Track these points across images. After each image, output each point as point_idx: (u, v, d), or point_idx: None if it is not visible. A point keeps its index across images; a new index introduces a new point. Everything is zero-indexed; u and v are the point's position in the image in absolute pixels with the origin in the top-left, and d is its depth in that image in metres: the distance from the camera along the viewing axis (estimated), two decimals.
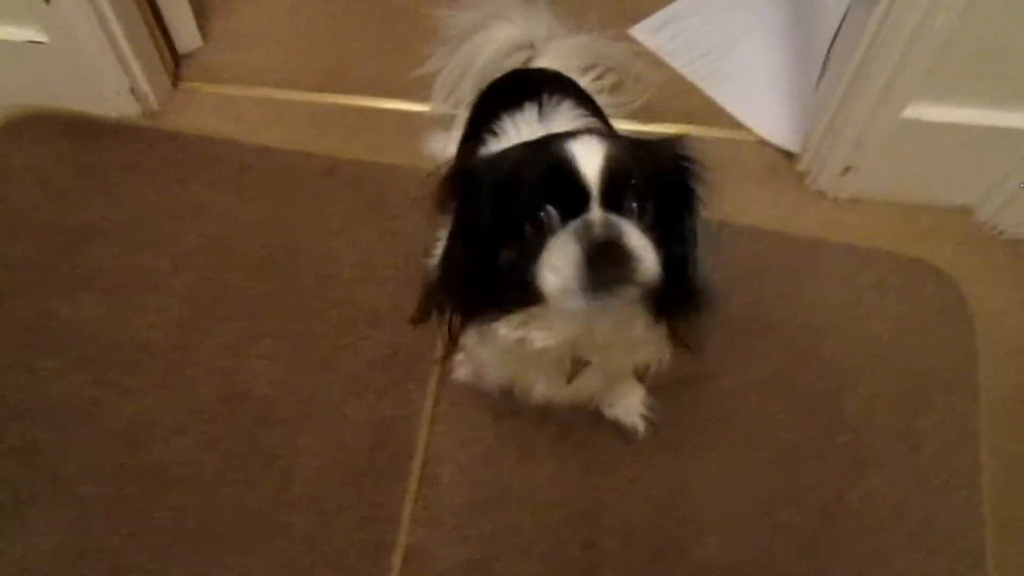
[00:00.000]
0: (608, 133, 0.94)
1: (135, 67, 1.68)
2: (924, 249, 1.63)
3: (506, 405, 1.46)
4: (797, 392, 1.49)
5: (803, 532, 1.38)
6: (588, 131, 0.93)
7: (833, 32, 1.71)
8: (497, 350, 1.08)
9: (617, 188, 0.88)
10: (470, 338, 1.10)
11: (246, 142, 1.72)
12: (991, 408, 1.48)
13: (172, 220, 1.62)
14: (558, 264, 0.88)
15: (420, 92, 1.78)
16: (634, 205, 0.90)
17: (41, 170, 1.68)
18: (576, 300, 0.89)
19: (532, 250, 0.90)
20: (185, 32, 1.83)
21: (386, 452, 1.41)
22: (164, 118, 1.77)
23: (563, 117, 1.16)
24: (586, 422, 1.44)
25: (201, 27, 1.85)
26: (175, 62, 1.82)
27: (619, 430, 1.44)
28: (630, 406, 1.44)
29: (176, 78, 1.81)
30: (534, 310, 0.97)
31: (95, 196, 1.65)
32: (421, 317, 1.09)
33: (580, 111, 1.19)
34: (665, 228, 0.92)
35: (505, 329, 1.00)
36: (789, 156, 1.74)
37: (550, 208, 0.89)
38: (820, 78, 1.72)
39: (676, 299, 0.97)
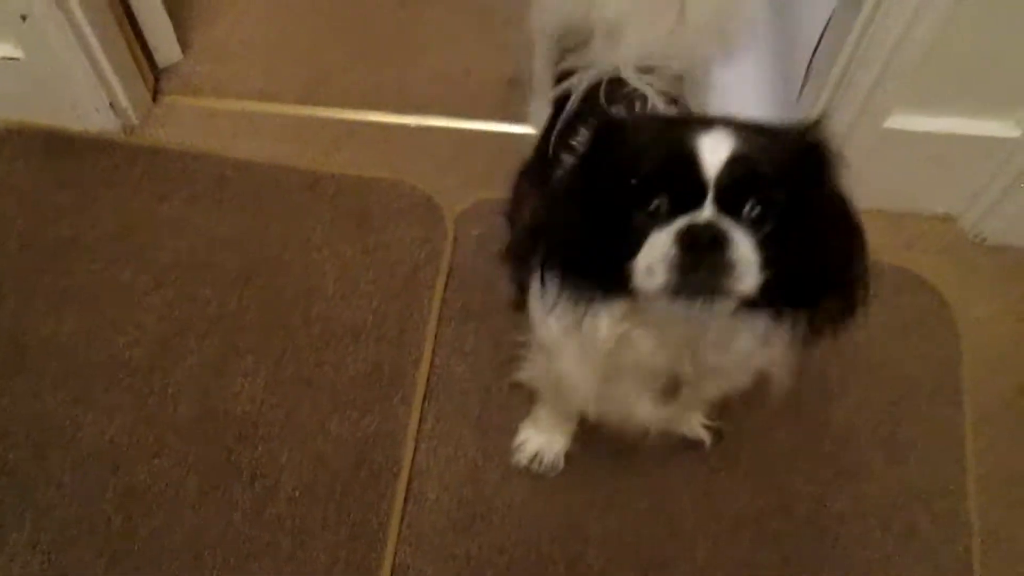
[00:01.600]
0: (744, 125, 0.86)
1: (114, 82, 1.67)
2: (907, 257, 1.63)
3: (490, 420, 1.46)
4: (782, 401, 1.48)
5: (790, 541, 1.37)
6: (724, 121, 0.86)
7: (816, 40, 1.71)
8: (589, 351, 1.00)
9: (737, 190, 0.82)
10: (554, 329, 1.02)
11: (226, 156, 1.70)
12: (976, 415, 1.48)
13: (151, 235, 1.60)
14: (653, 262, 0.82)
15: (402, 104, 1.77)
16: (755, 211, 0.83)
17: (19, 185, 1.66)
18: (667, 304, 0.84)
19: (636, 239, 0.84)
20: (165, 45, 1.81)
21: (370, 469, 1.40)
22: (144, 132, 1.75)
23: None
24: None
25: (181, 40, 1.83)
26: (155, 76, 1.80)
27: (688, 443, 1.41)
28: (693, 419, 1.41)
29: (156, 92, 1.80)
30: (635, 304, 0.90)
31: (74, 212, 1.63)
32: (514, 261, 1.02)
33: None
34: (799, 223, 0.86)
35: (608, 320, 0.92)
36: None
37: (662, 199, 0.84)
38: (803, 87, 1.72)
39: (812, 293, 0.92)
